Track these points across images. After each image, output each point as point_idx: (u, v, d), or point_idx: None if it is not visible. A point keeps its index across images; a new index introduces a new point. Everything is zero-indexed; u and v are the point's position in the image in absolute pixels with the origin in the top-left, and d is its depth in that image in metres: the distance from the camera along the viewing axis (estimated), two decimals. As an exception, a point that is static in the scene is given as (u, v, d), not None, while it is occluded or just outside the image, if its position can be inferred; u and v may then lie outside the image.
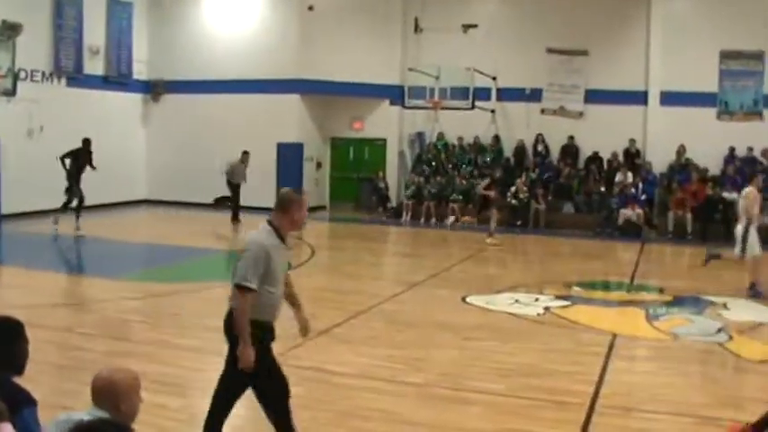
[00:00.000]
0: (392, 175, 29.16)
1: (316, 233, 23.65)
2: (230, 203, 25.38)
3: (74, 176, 20.41)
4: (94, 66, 26.98)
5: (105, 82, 27.44)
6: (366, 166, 29.70)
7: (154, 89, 29.49)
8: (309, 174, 29.00)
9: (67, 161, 20.33)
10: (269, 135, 27.54)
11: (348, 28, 28.22)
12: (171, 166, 28.82)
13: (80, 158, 20.51)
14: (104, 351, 9.80)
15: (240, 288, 5.94)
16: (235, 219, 24.81)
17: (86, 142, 20.81)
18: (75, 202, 20.59)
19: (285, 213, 6.16)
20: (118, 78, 27.88)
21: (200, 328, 11.19)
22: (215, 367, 9.23)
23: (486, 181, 23.03)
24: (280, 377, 6.38)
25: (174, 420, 7.44)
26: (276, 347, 9.81)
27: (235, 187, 25.11)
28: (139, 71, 29.08)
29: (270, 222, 6.17)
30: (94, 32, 26.76)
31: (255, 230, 6.18)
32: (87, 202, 20.83)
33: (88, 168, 20.66)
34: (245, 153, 25.54)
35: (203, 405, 8.20)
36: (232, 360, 6.20)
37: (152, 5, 29.43)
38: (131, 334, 10.98)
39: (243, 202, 25.83)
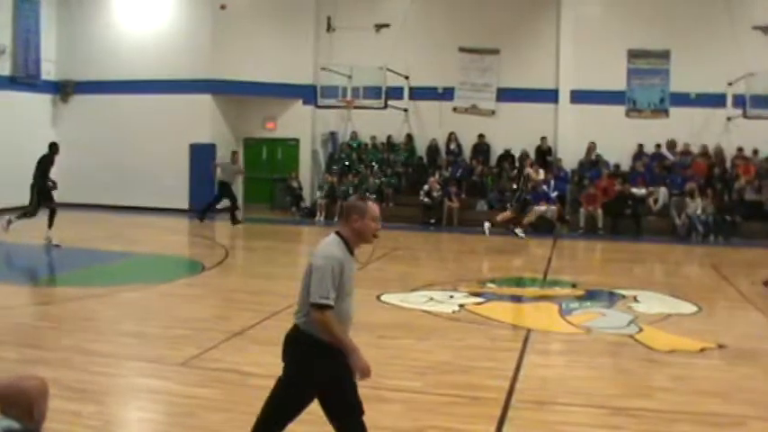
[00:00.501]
0: (305, 175, 29.08)
1: (229, 234, 23.50)
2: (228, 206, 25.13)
3: (38, 186, 19.41)
4: (1, 66, 26.37)
5: (12, 82, 26.81)
6: (279, 167, 29.59)
7: (63, 90, 28.96)
8: (222, 175, 28.81)
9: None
10: (181, 136, 27.33)
11: (260, 27, 28.08)
12: (81, 168, 28.21)
13: (45, 165, 19.58)
14: (15, 359, 9.55)
15: (320, 306, 5.52)
16: (234, 219, 24.60)
17: (54, 147, 19.91)
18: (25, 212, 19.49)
19: (347, 223, 5.78)
20: (26, 79, 27.27)
21: (114, 332, 11.01)
22: (130, 372, 9.17)
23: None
24: (356, 403, 5.91)
25: (88, 427, 7.27)
26: (190, 350, 9.79)
27: (227, 186, 24.80)
28: (48, 71, 28.48)
29: (338, 233, 5.79)
30: (1, 32, 26.15)
31: (323, 242, 5.79)
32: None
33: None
34: (235, 153, 25.94)
35: (117, 411, 8.11)
36: (288, 380, 5.88)
37: (60, 4, 28.90)
38: (42, 340, 10.71)
39: (157, 204, 25.56)
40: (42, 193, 19.48)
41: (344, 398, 5.78)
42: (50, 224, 19.49)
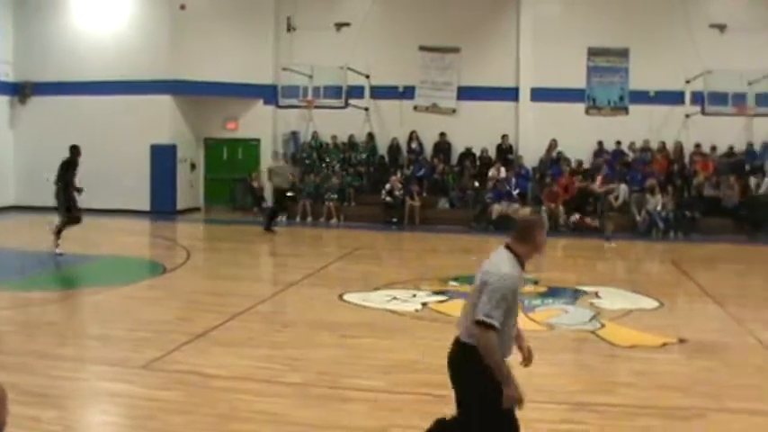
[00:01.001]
0: (267, 175, 28.96)
1: (191, 235, 23.41)
2: (271, 211, 24.21)
3: (62, 192, 18.50)
4: (-42, 68, 26.06)
5: (-31, 85, 26.53)
6: (240, 167, 29.43)
7: (21, 91, 28.61)
8: (183, 175, 28.62)
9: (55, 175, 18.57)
10: (142, 137, 27.12)
11: (220, 27, 27.91)
12: (41, 171, 27.89)
13: (68, 170, 18.73)
14: (-27, 364, 9.44)
15: (484, 325, 5.33)
16: (269, 228, 23.19)
17: (75, 150, 19.04)
18: (61, 220, 18.51)
19: (529, 239, 5.57)
20: (-18, 81, 26.97)
21: (75, 336, 10.92)
22: (92, 375, 9.08)
23: (599, 178, 23.84)
24: (511, 421, 5.77)
25: (48, 433, 7.21)
26: (153, 352, 9.73)
27: (282, 193, 23.92)
28: (5, 73, 28.14)
29: (509, 248, 5.57)
30: (-44, 34, 25.83)
31: (495, 257, 5.60)
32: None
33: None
34: (283, 153, 25.57)
35: (79, 415, 8.02)
36: (465, 400, 5.74)
37: (17, 5, 28.50)
38: (2, 345, 10.59)
39: (118, 206, 25.33)
40: (68, 199, 18.61)
41: (506, 417, 5.73)
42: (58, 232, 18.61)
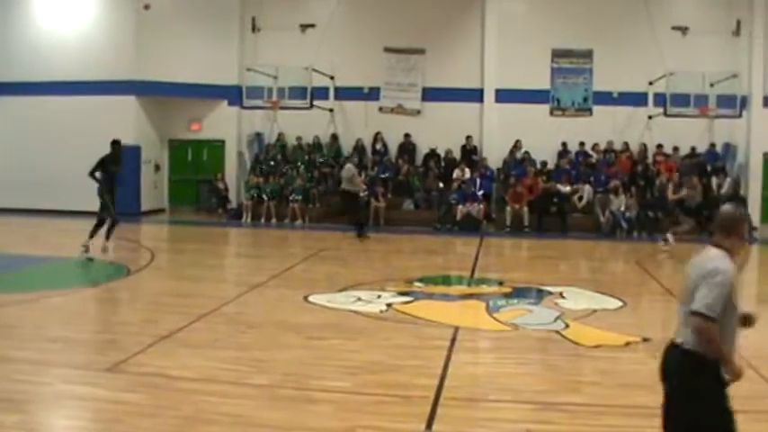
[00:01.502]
0: (231, 177, 28.89)
1: (155, 236, 23.25)
2: (352, 216, 23.43)
3: (107, 190, 18.22)
4: None
5: (-72, 85, 26.20)
6: (205, 168, 29.34)
7: (-18, 91, 28.33)
8: (148, 177, 28.48)
9: (98, 174, 18.03)
10: (105, 138, 26.67)
11: (185, 28, 27.79)
12: (4, 172, 27.67)
13: (110, 167, 18.21)
14: (-68, 368, 9.31)
15: (703, 317, 5.21)
16: (361, 234, 22.56)
17: (117, 146, 18.61)
18: (108, 223, 18.44)
19: (734, 232, 5.56)
20: (-58, 81, 26.64)
21: (38, 339, 10.76)
22: (55, 379, 8.97)
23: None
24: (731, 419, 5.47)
25: (10, 437, 7.12)
26: (117, 354, 9.65)
27: (354, 196, 23.11)
28: (-35, 74, 27.86)
29: (720, 245, 5.55)
30: None
31: (706, 256, 5.53)
32: None
33: None
34: (350, 157, 25.47)
35: (42, 419, 7.93)
36: (677, 411, 5.49)
37: (-24, 5, 28.25)
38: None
39: (81, 207, 25.11)
40: (110, 195, 18.38)
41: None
42: (108, 235, 18.66)
